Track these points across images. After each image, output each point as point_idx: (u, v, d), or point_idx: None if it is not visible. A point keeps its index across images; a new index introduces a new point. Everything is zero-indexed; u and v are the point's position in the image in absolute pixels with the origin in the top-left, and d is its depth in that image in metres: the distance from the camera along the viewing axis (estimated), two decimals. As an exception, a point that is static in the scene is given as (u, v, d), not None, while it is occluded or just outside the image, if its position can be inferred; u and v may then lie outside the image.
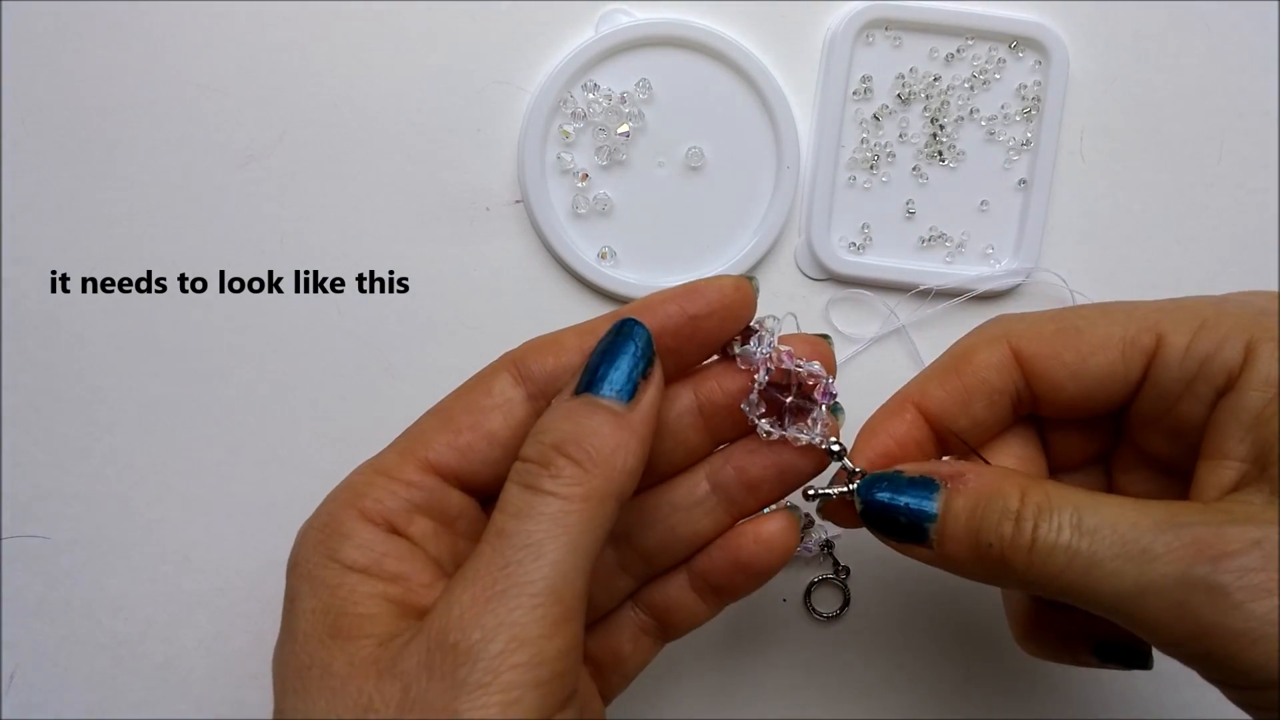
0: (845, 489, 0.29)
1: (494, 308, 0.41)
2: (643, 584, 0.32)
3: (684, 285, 0.28)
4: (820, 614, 0.42)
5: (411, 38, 0.40)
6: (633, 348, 0.27)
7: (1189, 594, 0.23)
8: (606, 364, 0.26)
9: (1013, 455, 0.31)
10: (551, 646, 0.23)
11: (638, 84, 0.40)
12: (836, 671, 0.42)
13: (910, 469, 0.28)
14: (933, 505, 0.27)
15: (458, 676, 0.22)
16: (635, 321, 0.27)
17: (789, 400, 0.29)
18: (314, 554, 0.26)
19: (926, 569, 0.42)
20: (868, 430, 0.30)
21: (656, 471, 0.31)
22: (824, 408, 0.29)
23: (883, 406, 0.31)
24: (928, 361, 0.41)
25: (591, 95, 0.40)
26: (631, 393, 0.26)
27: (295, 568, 0.26)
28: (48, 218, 0.40)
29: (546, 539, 0.24)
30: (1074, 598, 0.25)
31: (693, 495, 0.31)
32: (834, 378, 0.30)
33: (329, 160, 0.40)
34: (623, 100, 0.40)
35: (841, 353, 0.41)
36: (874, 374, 0.41)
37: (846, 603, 0.42)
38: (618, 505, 0.25)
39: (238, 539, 0.40)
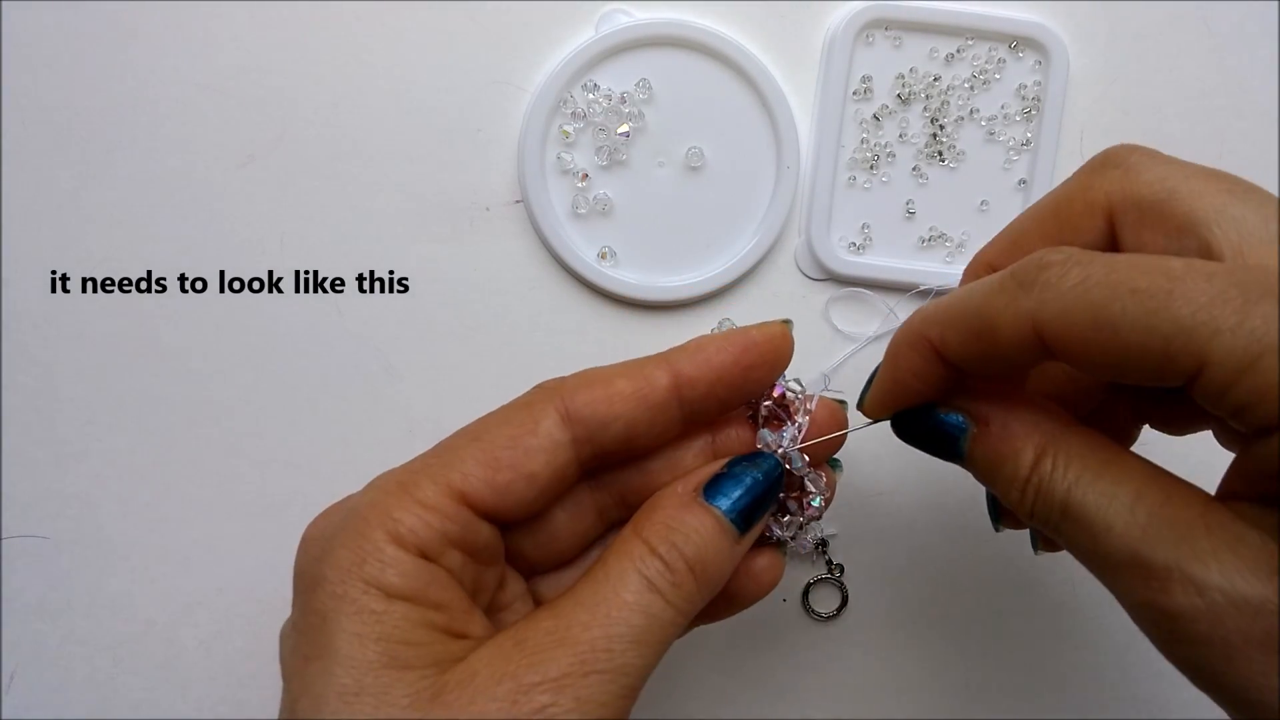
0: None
1: (494, 308, 0.41)
2: None
3: (735, 333, 0.29)
4: (819, 614, 0.42)
5: (411, 38, 0.40)
6: (774, 495, 0.29)
7: (1139, 615, 0.24)
8: (749, 496, 0.28)
9: (1061, 371, 0.30)
10: None
11: (638, 84, 0.40)
12: (836, 671, 0.42)
13: (944, 406, 0.28)
14: (962, 443, 0.28)
15: None
16: (779, 464, 0.29)
17: (780, 496, 0.30)
18: (348, 575, 0.25)
19: (924, 569, 0.42)
20: (889, 362, 0.29)
21: (652, 489, 0.31)
22: (801, 518, 0.31)
23: (902, 336, 0.28)
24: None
25: (591, 95, 0.40)
26: (748, 528, 0.28)
27: (322, 583, 0.25)
28: (48, 218, 0.40)
29: (653, 643, 0.25)
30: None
31: None
32: (826, 503, 0.31)
33: (329, 160, 0.40)
34: (623, 100, 0.40)
35: (842, 352, 0.41)
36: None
37: (845, 602, 0.42)
38: None
39: (238, 539, 0.40)
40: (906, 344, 0.28)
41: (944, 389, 0.28)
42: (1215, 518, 0.24)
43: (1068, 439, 0.26)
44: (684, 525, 0.27)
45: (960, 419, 0.28)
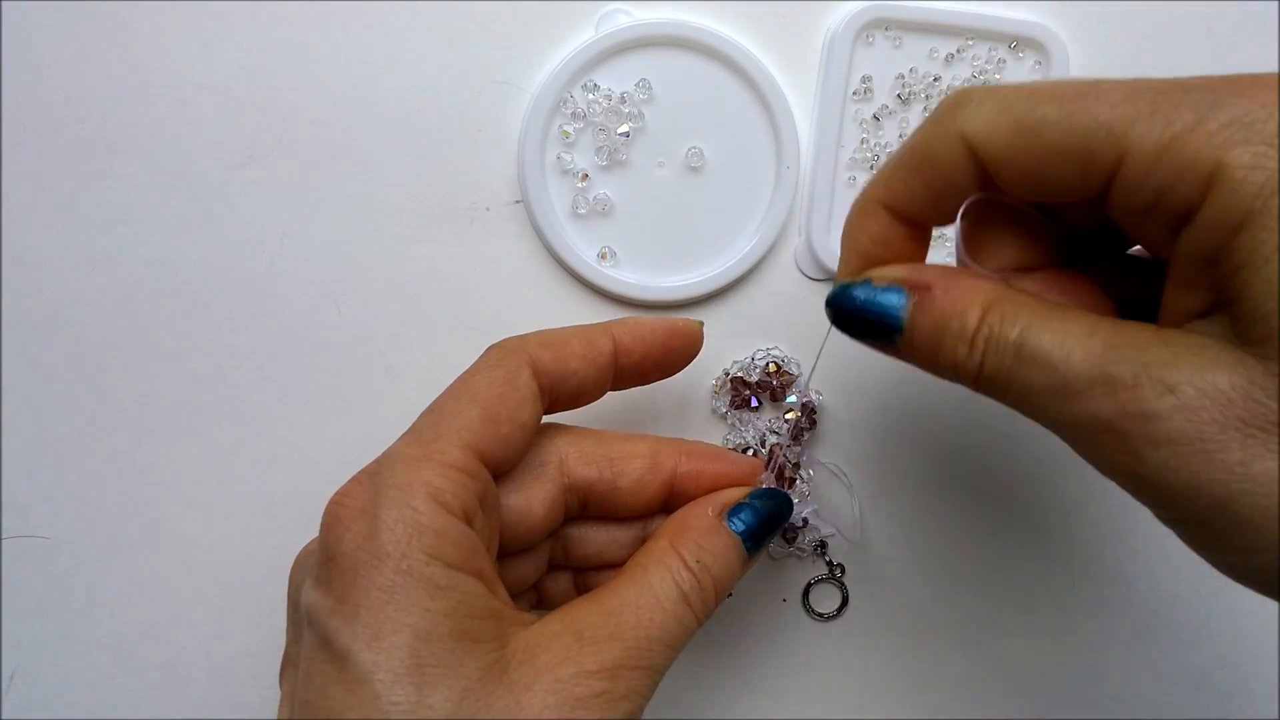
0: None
1: (494, 308, 0.41)
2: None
3: (663, 320, 0.34)
4: (819, 614, 0.42)
5: (411, 37, 0.40)
6: (780, 526, 0.34)
7: (1109, 434, 0.24)
8: (765, 529, 0.33)
9: (1020, 242, 0.29)
10: None
11: (638, 84, 0.40)
12: (836, 671, 0.42)
13: (881, 277, 0.28)
14: (900, 317, 0.28)
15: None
16: (791, 504, 0.34)
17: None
18: (409, 549, 0.26)
19: (927, 568, 0.42)
20: (846, 237, 0.30)
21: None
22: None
23: (853, 209, 0.30)
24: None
25: (591, 95, 0.40)
26: (756, 551, 0.32)
27: (384, 560, 0.26)
28: (48, 218, 0.40)
29: (677, 646, 0.29)
30: (1025, 414, 0.26)
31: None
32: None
33: (329, 160, 0.40)
34: (623, 100, 0.40)
35: (842, 352, 0.41)
36: (875, 373, 0.41)
37: (845, 602, 0.42)
38: None
39: (238, 539, 0.40)
40: (860, 214, 0.29)
41: (905, 255, 0.29)
42: (1170, 335, 0.24)
43: (1011, 297, 0.27)
44: (712, 546, 0.31)
45: (899, 293, 0.28)
